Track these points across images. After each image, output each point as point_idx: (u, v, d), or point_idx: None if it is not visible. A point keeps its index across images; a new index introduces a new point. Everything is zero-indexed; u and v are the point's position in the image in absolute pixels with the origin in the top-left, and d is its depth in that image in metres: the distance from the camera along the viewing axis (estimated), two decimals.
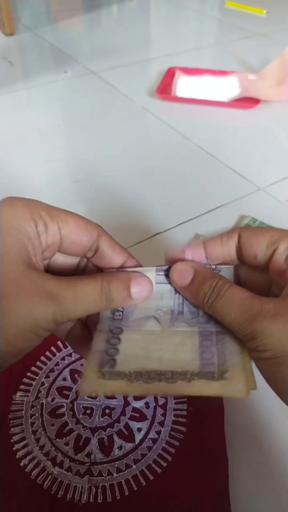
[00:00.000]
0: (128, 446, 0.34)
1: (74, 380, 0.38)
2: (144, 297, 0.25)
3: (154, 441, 0.34)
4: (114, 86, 0.92)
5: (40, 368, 0.39)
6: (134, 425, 0.35)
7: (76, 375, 0.38)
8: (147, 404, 0.36)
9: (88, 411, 0.36)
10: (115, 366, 0.23)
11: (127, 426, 0.35)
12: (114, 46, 1.12)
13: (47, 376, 0.38)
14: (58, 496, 0.31)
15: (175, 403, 0.36)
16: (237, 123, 0.79)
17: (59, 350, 0.40)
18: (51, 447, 0.34)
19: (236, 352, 0.23)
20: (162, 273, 0.26)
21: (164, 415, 0.35)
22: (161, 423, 0.35)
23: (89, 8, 1.44)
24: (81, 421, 0.35)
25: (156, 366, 0.23)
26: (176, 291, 0.26)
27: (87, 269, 0.28)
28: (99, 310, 0.24)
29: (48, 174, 0.67)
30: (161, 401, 0.36)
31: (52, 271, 0.26)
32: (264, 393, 0.37)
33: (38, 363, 0.39)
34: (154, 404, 0.36)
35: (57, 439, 0.34)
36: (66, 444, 0.34)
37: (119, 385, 0.22)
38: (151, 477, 0.32)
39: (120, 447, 0.34)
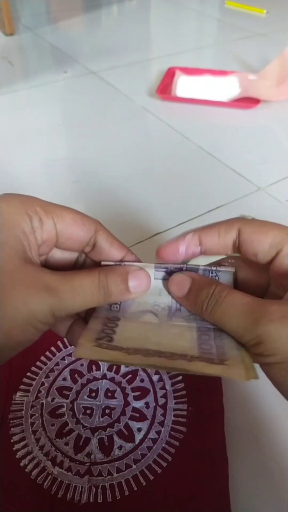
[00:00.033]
0: (128, 446, 0.34)
1: (74, 380, 0.38)
2: (142, 291, 0.25)
3: (154, 441, 0.34)
4: (114, 86, 0.92)
5: (40, 368, 0.39)
6: (134, 425, 0.35)
7: (76, 375, 0.38)
8: (147, 404, 0.36)
9: (88, 411, 0.36)
10: (112, 342, 0.23)
11: (127, 426, 0.35)
12: (114, 46, 1.12)
13: (47, 376, 0.38)
14: (58, 496, 0.31)
15: (175, 403, 0.36)
16: (237, 123, 0.79)
17: (59, 350, 0.40)
18: (51, 447, 0.34)
19: (235, 347, 0.23)
20: (161, 269, 0.26)
21: (164, 415, 0.35)
22: (161, 423, 0.35)
23: (89, 8, 1.44)
24: (81, 421, 0.35)
25: (155, 348, 0.23)
26: None
27: (86, 264, 0.28)
28: (97, 304, 0.24)
29: (48, 174, 0.67)
30: (161, 401, 0.36)
31: (50, 266, 0.26)
32: (264, 393, 0.37)
33: (38, 363, 0.39)
34: (154, 404, 0.36)
35: (57, 439, 0.34)
36: (66, 444, 0.34)
37: (116, 355, 0.21)
38: (151, 477, 0.32)
39: (120, 447, 0.34)
